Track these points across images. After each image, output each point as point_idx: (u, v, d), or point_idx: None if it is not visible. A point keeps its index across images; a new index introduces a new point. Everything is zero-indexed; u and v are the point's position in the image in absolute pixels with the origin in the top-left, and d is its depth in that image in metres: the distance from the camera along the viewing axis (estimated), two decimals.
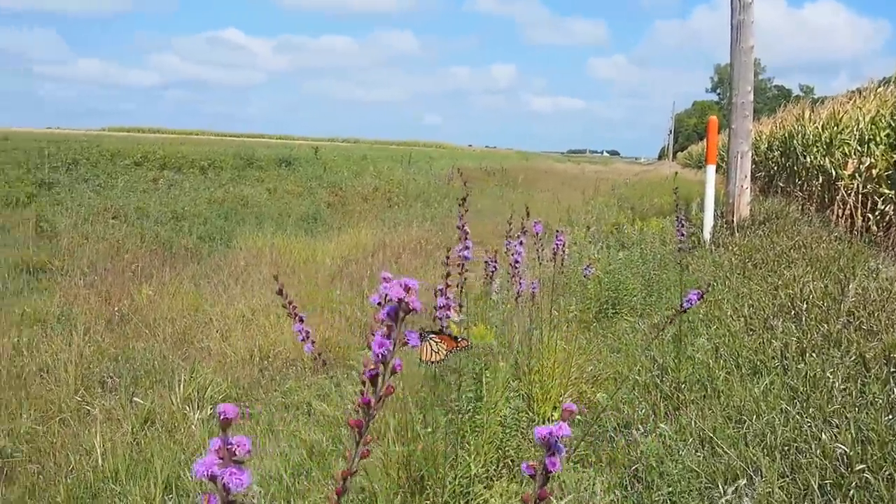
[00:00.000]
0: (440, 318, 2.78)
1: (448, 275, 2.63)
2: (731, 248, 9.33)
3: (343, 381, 5.50)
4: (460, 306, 3.23)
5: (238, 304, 7.74)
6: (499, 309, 5.59)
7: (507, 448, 4.06)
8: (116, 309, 7.55)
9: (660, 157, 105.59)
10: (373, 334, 2.14)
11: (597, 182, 29.40)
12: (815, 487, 3.42)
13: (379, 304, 2.19)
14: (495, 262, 4.07)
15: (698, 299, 3.56)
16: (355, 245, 11.83)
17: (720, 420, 4.33)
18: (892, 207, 10.14)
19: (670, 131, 71.54)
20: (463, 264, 3.12)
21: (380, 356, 1.24)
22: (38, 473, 4.44)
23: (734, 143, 11.04)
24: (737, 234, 10.14)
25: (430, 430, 3.65)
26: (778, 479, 3.56)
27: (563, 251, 4.88)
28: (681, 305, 3.59)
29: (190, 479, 4.13)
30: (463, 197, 3.03)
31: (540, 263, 4.70)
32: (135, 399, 5.32)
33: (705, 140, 10.83)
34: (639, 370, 5.26)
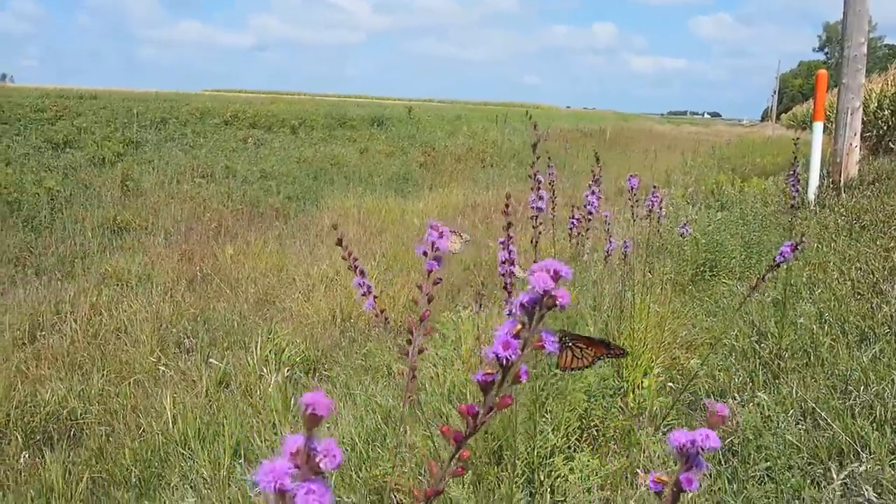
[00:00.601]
0: (503, 275, 2.47)
1: (510, 225, 2.34)
2: (837, 208, 8.92)
3: (426, 344, 5.29)
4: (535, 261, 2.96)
5: (323, 264, 7.60)
6: (589, 271, 5.32)
7: (591, 418, 3.80)
8: (198, 269, 7.48)
9: (763, 119, 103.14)
10: (419, 287, 1.88)
11: (696, 143, 28.70)
12: None
13: (424, 254, 1.93)
14: (577, 219, 3.77)
15: (792, 251, 3.30)
16: (445, 205, 11.64)
17: (824, 390, 4.02)
18: None
19: (774, 92, 69.51)
20: (536, 216, 2.83)
21: (503, 360, 0.94)
22: (106, 436, 4.33)
23: (844, 99, 10.46)
24: (843, 195, 9.69)
25: None
26: (889, 456, 3.25)
27: (660, 209, 4.57)
28: (773, 260, 3.33)
29: (259, 445, 3.98)
30: (534, 143, 2.75)
31: (634, 221, 4.40)
32: (210, 360, 5.20)
33: (812, 97, 10.28)
34: (736, 335, 4.97)
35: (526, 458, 3.26)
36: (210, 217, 10.01)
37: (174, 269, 7.41)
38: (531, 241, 2.84)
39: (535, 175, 2.79)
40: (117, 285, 6.92)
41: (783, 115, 66.46)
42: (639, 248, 5.05)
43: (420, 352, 1.83)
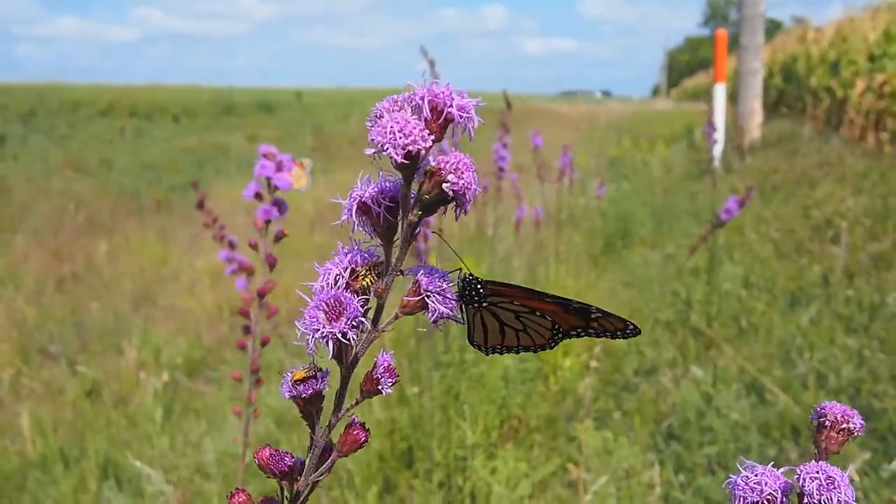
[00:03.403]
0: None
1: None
2: (743, 171, 8.75)
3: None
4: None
5: (209, 255, 7.01)
6: (497, 246, 4.88)
7: (511, 406, 3.34)
8: (69, 267, 6.81)
9: (653, 95, 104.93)
10: (252, 246, 1.42)
11: (592, 120, 28.74)
12: None
13: (257, 196, 1.42)
14: (484, 184, 3.29)
15: (740, 207, 2.95)
16: (339, 187, 11.10)
17: (762, 360, 3.66)
18: None
19: (663, 68, 70.83)
20: None
21: (332, 343, 0.42)
22: None
23: (745, 60, 10.40)
24: (748, 158, 9.54)
25: (417, 390, 2.93)
26: None
27: (572, 171, 4.15)
28: (717, 217, 2.97)
29: (133, 462, 3.41)
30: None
31: (543, 185, 3.95)
32: (78, 367, 4.58)
33: (713, 58, 10.11)
34: (658, 306, 4.58)
35: (441, 461, 2.78)
36: (82, 212, 9.28)
37: (42, 270, 6.73)
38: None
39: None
40: None
41: (673, 89, 67.95)
42: (549, 218, 4.67)
43: (263, 343, 1.34)
